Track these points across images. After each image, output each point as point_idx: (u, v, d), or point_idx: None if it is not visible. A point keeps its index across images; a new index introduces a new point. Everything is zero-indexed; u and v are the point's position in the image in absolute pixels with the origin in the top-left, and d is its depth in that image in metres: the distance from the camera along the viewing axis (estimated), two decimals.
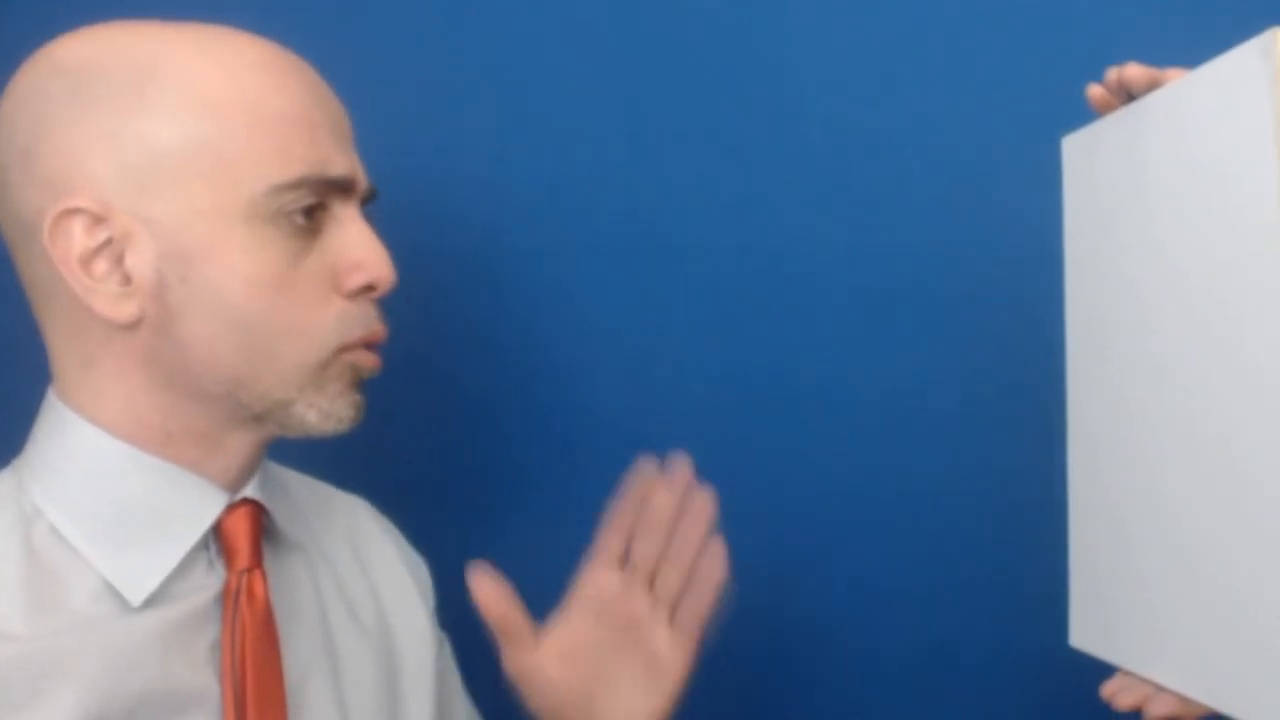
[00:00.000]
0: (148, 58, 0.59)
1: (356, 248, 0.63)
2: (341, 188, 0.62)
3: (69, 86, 0.58)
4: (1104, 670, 0.70)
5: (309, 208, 0.61)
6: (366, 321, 0.64)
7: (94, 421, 0.61)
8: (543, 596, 0.95)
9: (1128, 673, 0.66)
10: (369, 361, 0.65)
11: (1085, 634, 0.71)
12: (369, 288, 0.63)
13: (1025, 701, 0.91)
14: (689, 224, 0.95)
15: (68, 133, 0.58)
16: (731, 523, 0.94)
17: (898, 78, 0.92)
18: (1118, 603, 0.67)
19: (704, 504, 0.75)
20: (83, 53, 0.59)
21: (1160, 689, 0.63)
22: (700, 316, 0.95)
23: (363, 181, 0.65)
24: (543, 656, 0.72)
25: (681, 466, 0.75)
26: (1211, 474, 0.58)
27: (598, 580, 0.75)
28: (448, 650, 0.81)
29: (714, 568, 0.74)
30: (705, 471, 0.95)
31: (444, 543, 0.94)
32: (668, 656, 0.73)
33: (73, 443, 0.61)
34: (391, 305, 0.95)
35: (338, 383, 0.63)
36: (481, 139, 0.97)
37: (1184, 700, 0.62)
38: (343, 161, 0.62)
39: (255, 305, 0.59)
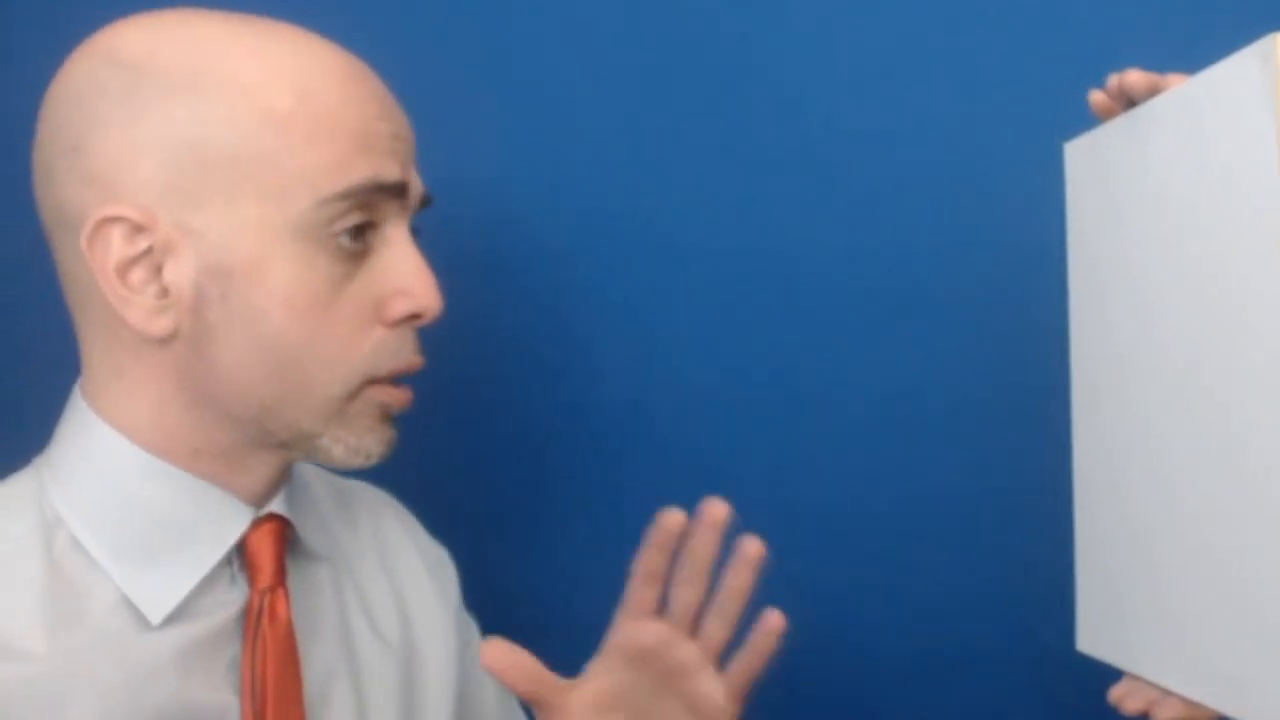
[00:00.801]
0: (210, 57, 0.56)
1: (404, 274, 0.60)
2: (394, 196, 0.59)
3: (125, 82, 0.55)
4: (1110, 674, 0.70)
5: (359, 227, 0.58)
6: (402, 353, 0.61)
7: (118, 428, 0.59)
8: (552, 591, 0.95)
9: (1135, 677, 0.66)
10: (397, 400, 0.62)
11: (1092, 638, 0.71)
12: (413, 316, 0.60)
13: (1032, 705, 0.91)
14: (694, 226, 0.95)
15: (119, 133, 0.55)
16: (737, 523, 0.94)
17: (900, 82, 0.92)
18: (1124, 607, 0.67)
19: (754, 550, 0.69)
20: (141, 46, 0.56)
21: (1168, 693, 0.63)
22: (704, 318, 0.95)
23: (417, 193, 0.62)
24: (578, 710, 0.67)
25: (717, 511, 0.69)
26: (1218, 477, 0.58)
27: (634, 631, 0.68)
28: (477, 636, 0.80)
29: (771, 629, 0.68)
30: (709, 471, 0.95)
31: (456, 537, 0.94)
32: (714, 704, 0.68)
33: (95, 448, 0.59)
34: None
35: (365, 418, 0.61)
36: (485, 137, 0.97)
37: (1191, 704, 0.62)
38: (395, 168, 0.59)
39: (292, 331, 0.57)
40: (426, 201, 0.64)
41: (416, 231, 0.64)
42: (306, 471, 0.74)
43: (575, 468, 0.97)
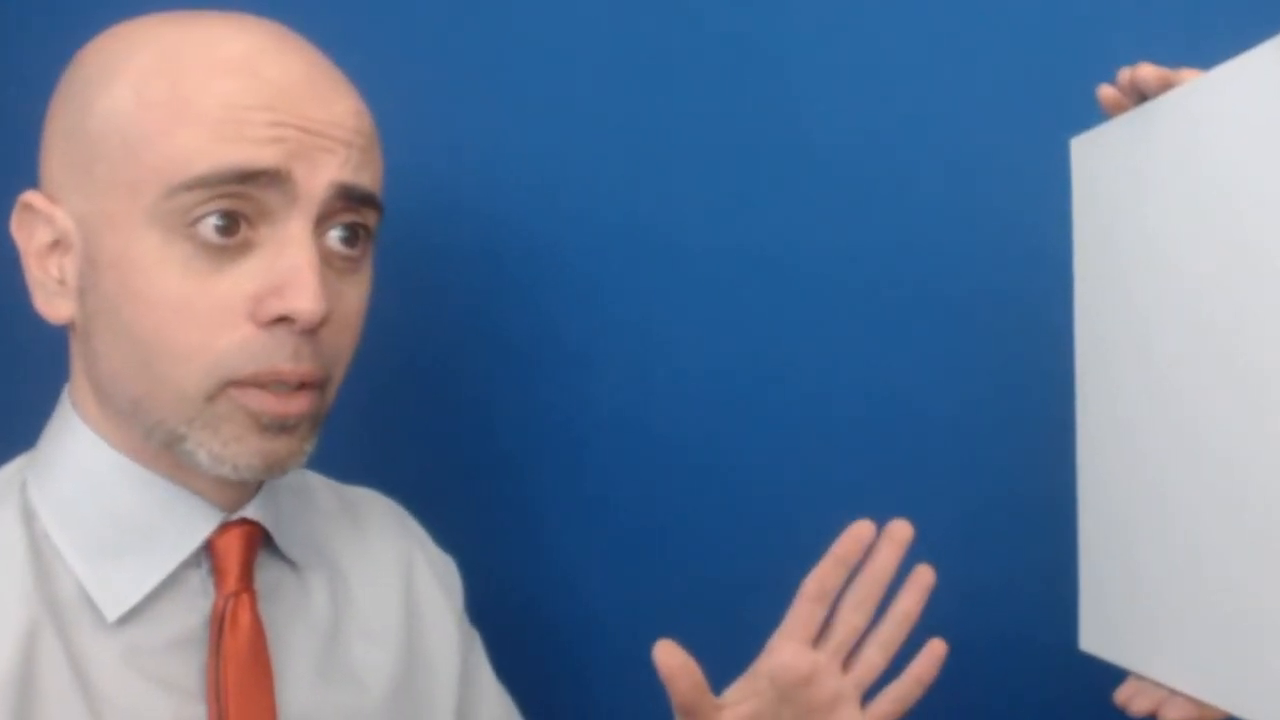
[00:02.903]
0: (122, 53, 0.56)
1: (280, 271, 0.55)
2: (269, 186, 0.54)
3: (66, 80, 0.58)
4: (1114, 674, 0.69)
5: (231, 219, 0.54)
6: (267, 356, 0.55)
7: (87, 424, 0.59)
8: (547, 592, 0.95)
9: (1139, 677, 0.66)
10: (269, 407, 0.56)
11: (1095, 638, 0.70)
12: (284, 319, 0.55)
13: (1035, 705, 0.91)
14: (694, 224, 0.95)
15: (48, 127, 0.58)
16: (738, 524, 0.94)
17: (905, 77, 0.92)
18: (1127, 606, 0.66)
19: (926, 578, 0.66)
20: (94, 47, 0.58)
21: (1174, 693, 0.63)
22: (705, 317, 0.95)
23: (316, 186, 0.55)
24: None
25: (902, 530, 0.66)
26: (1223, 477, 0.58)
27: (788, 658, 0.65)
28: (478, 646, 0.79)
29: (937, 656, 0.66)
30: (711, 471, 0.95)
31: (450, 539, 0.94)
32: None
33: (69, 444, 0.59)
34: (395, 303, 0.95)
35: (231, 424, 0.56)
36: (484, 136, 0.96)
37: (1199, 704, 0.61)
38: (268, 156, 0.53)
39: (146, 324, 0.54)
40: (359, 195, 0.58)
41: (362, 233, 0.59)
42: (311, 481, 0.73)
43: (573, 469, 0.96)
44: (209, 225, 0.54)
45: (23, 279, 1.00)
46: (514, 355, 0.97)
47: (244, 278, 0.55)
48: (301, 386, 0.57)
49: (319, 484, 0.73)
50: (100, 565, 0.57)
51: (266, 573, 0.63)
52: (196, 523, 0.59)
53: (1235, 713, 0.58)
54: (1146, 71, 0.63)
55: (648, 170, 0.95)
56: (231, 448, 0.56)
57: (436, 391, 0.97)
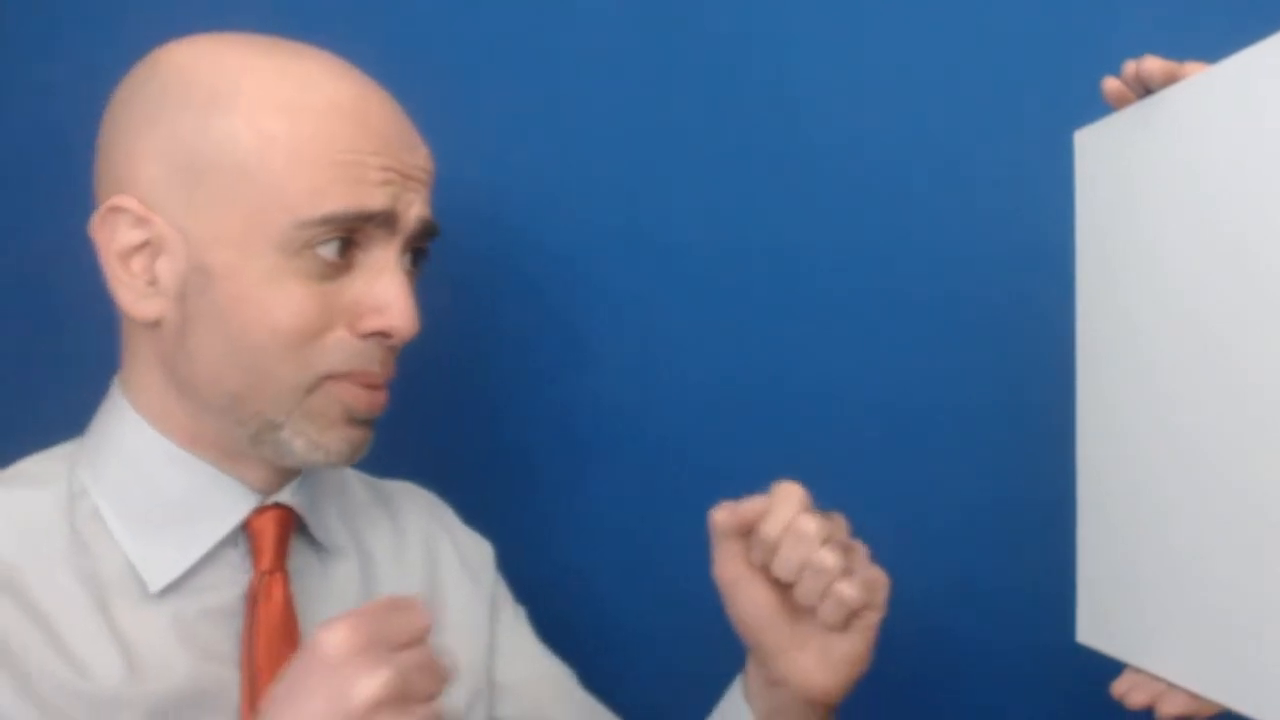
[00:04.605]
0: (227, 79, 0.61)
1: (380, 293, 0.63)
2: (380, 224, 0.63)
3: (155, 93, 0.62)
4: (1110, 666, 0.70)
5: (341, 243, 0.62)
6: (364, 359, 0.64)
7: (140, 413, 0.64)
8: (548, 589, 0.95)
9: (1136, 670, 0.66)
10: (361, 401, 0.64)
11: (1092, 630, 0.71)
12: (384, 334, 0.64)
13: (1032, 697, 0.91)
14: (695, 224, 0.95)
15: (139, 136, 0.62)
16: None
17: (907, 70, 0.92)
18: (1124, 599, 0.67)
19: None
20: (179, 62, 0.62)
21: (1172, 686, 0.63)
22: (706, 318, 0.95)
23: (409, 222, 0.64)
24: (756, 575, 0.70)
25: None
26: (1221, 472, 0.58)
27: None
28: (516, 618, 0.83)
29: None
30: (713, 471, 0.95)
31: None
32: (841, 644, 0.70)
33: (120, 431, 0.64)
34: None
35: (327, 414, 0.63)
36: (485, 137, 0.96)
37: (1196, 698, 0.62)
38: (380, 199, 0.62)
39: (260, 330, 0.61)
40: (433, 231, 0.67)
41: (421, 255, 0.68)
42: (347, 475, 0.78)
43: (574, 467, 0.96)
44: (328, 250, 0.61)
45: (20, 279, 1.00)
46: (513, 355, 0.97)
47: (347, 292, 0.63)
48: (379, 385, 0.65)
49: (354, 478, 0.79)
50: (146, 541, 0.63)
51: (300, 556, 0.68)
52: (236, 504, 0.65)
53: (1232, 706, 0.58)
54: (1152, 65, 0.63)
55: (648, 169, 0.95)
56: (326, 435, 0.64)
57: (443, 390, 0.97)
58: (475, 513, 0.88)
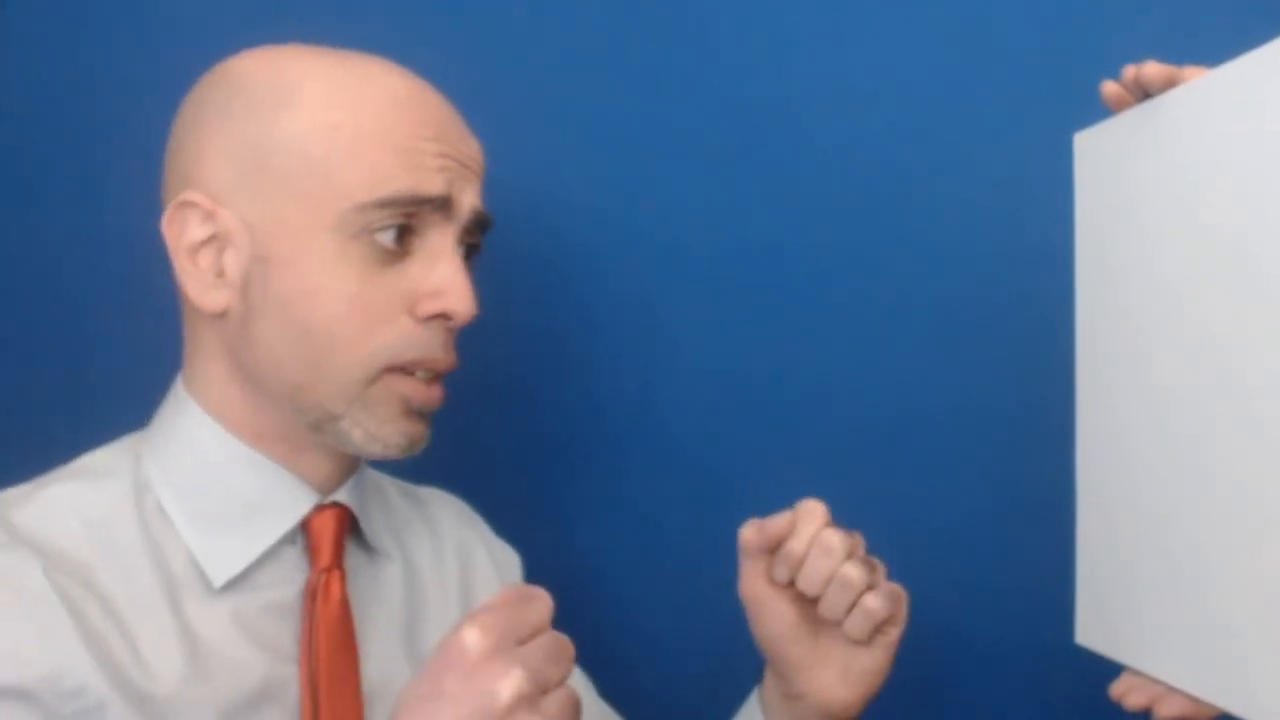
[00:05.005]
0: (292, 81, 0.63)
1: (439, 277, 0.64)
2: (436, 209, 0.64)
3: (223, 96, 0.64)
4: (1109, 667, 0.70)
5: (399, 230, 0.63)
6: (427, 346, 0.65)
7: (204, 408, 0.66)
8: (552, 587, 0.95)
9: (1134, 672, 0.66)
10: (418, 394, 0.65)
11: (1090, 631, 0.71)
12: (444, 316, 0.65)
13: (1031, 699, 0.91)
14: (698, 225, 0.95)
15: (208, 136, 0.63)
16: (737, 522, 0.94)
17: (908, 72, 0.92)
18: (1123, 601, 0.67)
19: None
20: (246, 68, 0.65)
21: (1170, 689, 0.63)
22: (709, 318, 0.95)
23: (464, 209, 0.66)
24: (779, 592, 0.72)
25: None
26: (1220, 475, 0.58)
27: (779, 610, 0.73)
28: None
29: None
30: (713, 471, 0.95)
31: None
32: (862, 658, 0.72)
33: (185, 426, 0.66)
34: None
35: (385, 406, 0.65)
36: (494, 141, 0.96)
37: (1193, 700, 0.62)
38: (437, 184, 0.64)
39: (319, 315, 0.62)
40: (485, 222, 0.68)
41: (474, 250, 0.69)
42: (383, 481, 0.79)
43: (578, 467, 0.97)
44: (387, 235, 0.63)
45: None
46: (515, 356, 0.97)
47: (405, 279, 0.64)
48: (436, 378, 0.67)
49: (390, 485, 0.80)
50: (209, 536, 0.64)
51: (351, 558, 0.69)
52: (296, 503, 0.66)
53: (1229, 709, 0.58)
54: (1151, 69, 0.63)
55: (653, 170, 0.95)
56: (385, 427, 0.65)
57: (467, 389, 0.97)
58: (496, 514, 0.88)
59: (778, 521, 0.70)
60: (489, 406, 0.98)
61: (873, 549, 0.87)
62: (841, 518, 0.93)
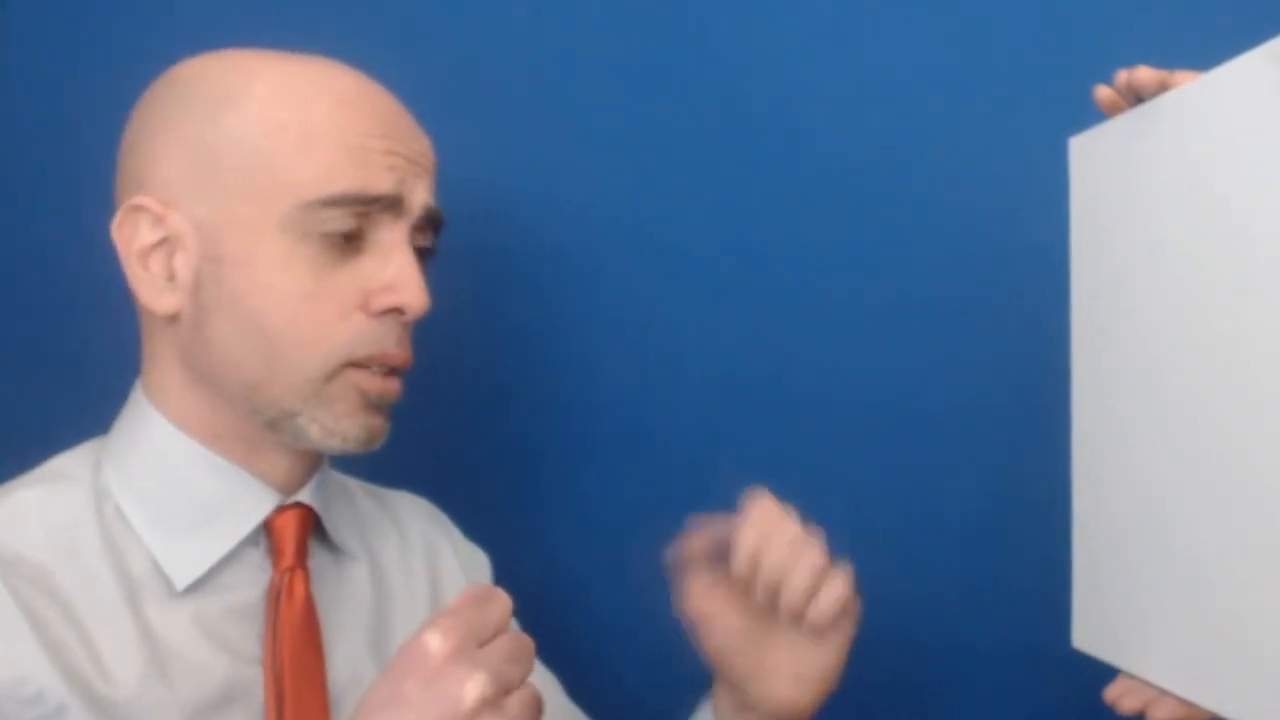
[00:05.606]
0: (241, 81, 0.64)
1: (391, 272, 0.65)
2: (387, 207, 0.64)
3: (173, 99, 0.64)
4: (1105, 671, 0.70)
5: (350, 229, 0.63)
6: (381, 341, 0.65)
7: (162, 413, 0.66)
8: (547, 590, 0.95)
9: (1130, 675, 0.66)
10: (377, 387, 0.65)
11: (1087, 635, 0.71)
12: (397, 310, 0.65)
13: (1027, 702, 0.91)
14: (693, 225, 0.95)
15: (158, 139, 0.64)
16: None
17: (903, 76, 0.92)
18: (1120, 605, 0.67)
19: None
20: (195, 71, 0.65)
21: (1164, 693, 0.63)
22: (704, 320, 0.95)
23: (415, 206, 0.66)
24: (725, 604, 0.72)
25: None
26: (1217, 478, 0.58)
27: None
28: (513, 626, 0.82)
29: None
30: (709, 473, 0.95)
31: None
32: (815, 659, 0.73)
33: (143, 431, 0.66)
34: None
35: (343, 401, 0.65)
36: (488, 139, 0.97)
37: (1187, 704, 0.62)
38: (386, 182, 0.64)
39: (274, 314, 0.62)
40: (437, 218, 0.68)
41: (428, 252, 0.69)
42: (349, 483, 0.79)
43: (573, 469, 0.97)
44: (336, 233, 0.63)
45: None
46: (513, 356, 0.97)
47: (358, 275, 0.64)
48: (393, 372, 0.67)
49: (356, 486, 0.80)
50: (171, 539, 0.64)
51: (316, 558, 0.69)
52: (258, 503, 0.66)
53: (1223, 714, 0.58)
54: (1144, 74, 0.63)
55: (648, 171, 0.95)
56: (343, 422, 0.65)
57: (433, 391, 0.97)
58: (468, 516, 0.88)
59: (718, 523, 0.70)
60: (460, 408, 0.98)
61: (867, 551, 0.87)
62: (834, 519, 0.93)
